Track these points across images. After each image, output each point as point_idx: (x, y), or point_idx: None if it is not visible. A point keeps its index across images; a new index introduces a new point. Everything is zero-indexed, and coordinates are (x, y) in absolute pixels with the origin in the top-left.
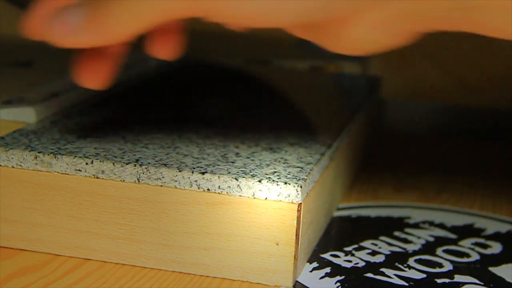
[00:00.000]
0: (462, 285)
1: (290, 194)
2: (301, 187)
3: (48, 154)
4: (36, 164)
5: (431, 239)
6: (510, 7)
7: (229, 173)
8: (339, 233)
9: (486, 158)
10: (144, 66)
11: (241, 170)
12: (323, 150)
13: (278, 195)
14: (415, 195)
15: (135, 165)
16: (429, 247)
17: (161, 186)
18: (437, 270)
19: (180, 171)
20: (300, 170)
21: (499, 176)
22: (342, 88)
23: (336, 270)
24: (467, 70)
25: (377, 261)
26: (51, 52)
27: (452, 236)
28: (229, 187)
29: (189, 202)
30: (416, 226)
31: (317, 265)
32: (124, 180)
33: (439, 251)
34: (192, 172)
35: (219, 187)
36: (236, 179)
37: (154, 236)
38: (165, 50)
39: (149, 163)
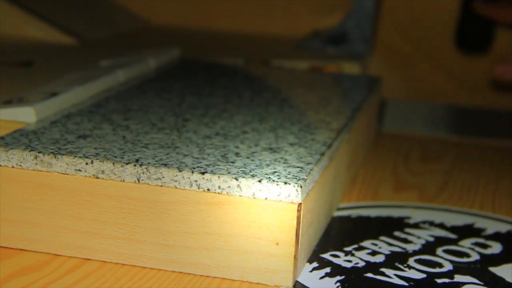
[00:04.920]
0: (462, 285)
1: (290, 194)
2: (301, 187)
3: (48, 154)
4: (36, 164)
5: (431, 239)
6: None
7: (229, 173)
8: (339, 233)
9: (486, 158)
10: (144, 66)
11: (241, 170)
12: (323, 150)
13: (278, 195)
14: (415, 195)
15: (135, 165)
16: (429, 247)
17: (161, 186)
18: (437, 270)
19: (180, 171)
20: (300, 170)
21: (499, 176)
22: (342, 88)
23: (336, 270)
24: (467, 70)
25: (377, 261)
26: (51, 52)
27: (452, 236)
28: (229, 187)
29: (189, 202)
30: (416, 226)
31: (317, 265)
32: (124, 180)
33: (439, 251)
34: (192, 172)
35: (219, 187)
36: (236, 179)
37: (154, 236)
38: None
39: (149, 163)
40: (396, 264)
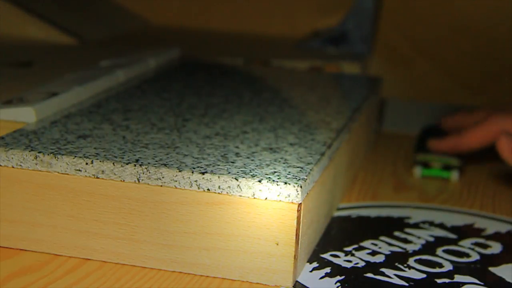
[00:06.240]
0: (462, 285)
1: (290, 194)
2: (301, 187)
3: (48, 154)
4: (36, 164)
5: (431, 239)
6: None
7: (229, 173)
8: (339, 233)
9: (486, 158)
10: (144, 66)
11: (241, 170)
12: (323, 150)
13: (278, 195)
14: (415, 195)
15: (135, 165)
16: (429, 247)
17: (161, 186)
18: (437, 270)
19: (180, 171)
20: (300, 170)
21: (499, 176)
22: (342, 88)
23: (336, 270)
24: (467, 70)
25: (377, 261)
26: (51, 52)
27: (452, 236)
28: (229, 187)
29: (189, 202)
30: (416, 226)
31: (317, 265)
32: (124, 180)
33: (439, 251)
34: (192, 172)
35: (219, 187)
36: (236, 179)
37: (154, 236)
38: None
39: (149, 163)
40: (396, 264)
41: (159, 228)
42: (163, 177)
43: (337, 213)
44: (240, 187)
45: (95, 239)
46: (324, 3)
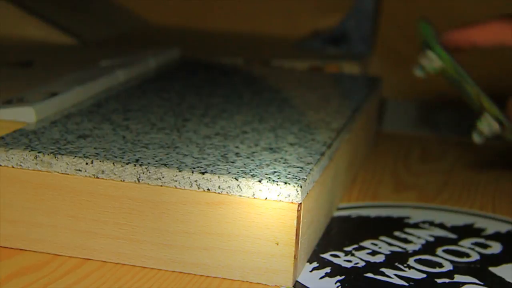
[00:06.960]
0: (462, 285)
1: (290, 194)
2: (301, 187)
3: (48, 154)
4: (36, 164)
5: (431, 239)
6: None
7: (229, 173)
8: (339, 233)
9: (486, 158)
10: (144, 66)
11: (241, 170)
12: (323, 150)
13: (278, 195)
14: (415, 195)
15: (135, 165)
16: (429, 247)
17: (161, 186)
18: (437, 270)
19: (180, 171)
20: (300, 170)
21: (499, 176)
22: (342, 88)
23: (336, 270)
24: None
25: (377, 261)
26: (51, 52)
27: (452, 236)
28: (229, 187)
29: (189, 202)
30: (416, 226)
31: (317, 265)
32: (124, 180)
33: (439, 251)
34: (192, 172)
35: (219, 187)
36: (236, 179)
37: (154, 236)
38: None
39: (149, 163)
40: (396, 264)
41: (159, 228)
42: (163, 177)
43: (337, 213)
44: (240, 187)
45: (95, 239)
46: (324, 3)
